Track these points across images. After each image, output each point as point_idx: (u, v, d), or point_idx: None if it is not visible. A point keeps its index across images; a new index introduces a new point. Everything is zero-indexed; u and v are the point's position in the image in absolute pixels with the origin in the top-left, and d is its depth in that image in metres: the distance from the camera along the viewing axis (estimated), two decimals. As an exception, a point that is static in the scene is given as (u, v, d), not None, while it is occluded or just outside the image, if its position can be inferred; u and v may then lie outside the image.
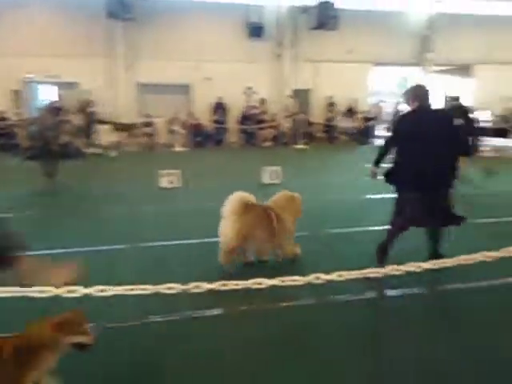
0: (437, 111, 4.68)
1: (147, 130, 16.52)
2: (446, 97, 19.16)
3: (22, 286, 1.95)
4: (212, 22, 17.26)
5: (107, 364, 2.87)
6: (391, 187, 4.58)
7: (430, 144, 4.20)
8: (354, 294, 3.82)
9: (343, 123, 17.68)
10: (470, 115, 9.60)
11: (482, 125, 13.64)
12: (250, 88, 17.77)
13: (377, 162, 4.67)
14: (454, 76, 20.97)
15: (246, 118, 17.23)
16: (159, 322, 3.47)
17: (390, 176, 4.50)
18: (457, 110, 8.99)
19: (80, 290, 1.90)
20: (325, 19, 16.39)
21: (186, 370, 2.83)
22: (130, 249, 5.22)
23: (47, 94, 16.32)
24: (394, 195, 4.57)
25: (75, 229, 6.06)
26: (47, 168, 8.75)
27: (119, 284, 1.99)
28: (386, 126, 18.77)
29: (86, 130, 15.05)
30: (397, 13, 18.66)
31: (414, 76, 20.49)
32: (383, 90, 25.72)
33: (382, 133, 18.39)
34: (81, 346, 2.11)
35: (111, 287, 1.81)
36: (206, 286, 1.76)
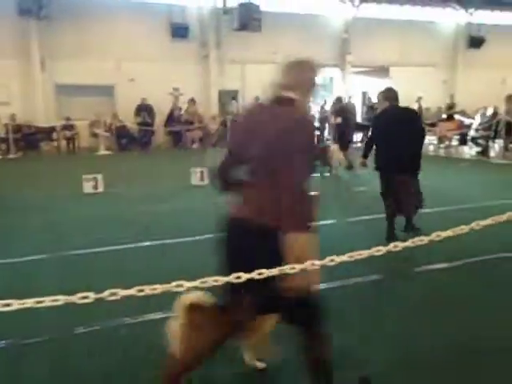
0: (405, 109, 5.54)
1: (68, 133, 15.75)
2: (363, 95, 20.10)
3: None
4: (135, 22, 16.80)
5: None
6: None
7: (399, 136, 4.99)
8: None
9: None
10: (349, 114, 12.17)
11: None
12: (176, 89, 17.53)
13: (365, 154, 5.62)
14: (372, 77, 22.04)
15: (172, 120, 16.96)
16: (80, 334, 3.30)
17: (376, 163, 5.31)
18: (338, 109, 10.28)
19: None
20: (248, 21, 16.55)
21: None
22: (53, 258, 4.93)
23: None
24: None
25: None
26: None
27: (37, 295, 1.86)
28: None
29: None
30: (318, 16, 19.29)
31: (338, 77, 21.30)
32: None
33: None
34: None
35: (17, 301, 1.67)
36: (121, 293, 1.68)
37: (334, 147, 10.73)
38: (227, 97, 18.34)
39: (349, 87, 20.43)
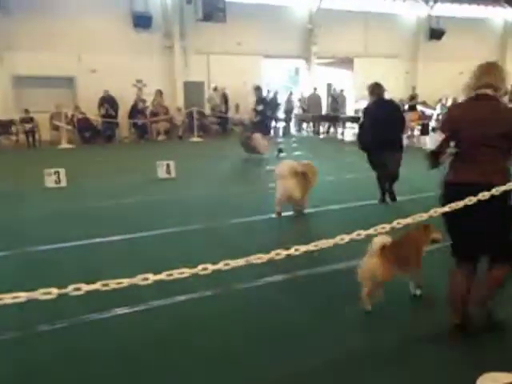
0: (389, 101, 6.96)
1: (27, 126, 15.22)
2: (328, 85, 20.33)
3: None
4: (96, 12, 16.32)
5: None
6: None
7: (386, 123, 6.24)
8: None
9: (237, 115, 17.81)
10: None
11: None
12: (139, 81, 17.22)
13: (359, 138, 6.96)
14: (337, 68, 22.27)
15: (137, 112, 16.65)
16: (44, 332, 3.23)
17: (363, 144, 6.68)
18: (259, 99, 12.26)
19: None
20: (212, 11, 16.39)
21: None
22: (13, 255, 4.79)
23: None
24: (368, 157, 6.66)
25: None
26: None
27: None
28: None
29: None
30: (283, 7, 19.28)
31: (303, 68, 21.41)
32: (276, 82, 26.50)
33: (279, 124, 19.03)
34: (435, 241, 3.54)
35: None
36: (85, 288, 1.66)
37: (257, 135, 11.73)
38: (193, 88, 18.14)
39: (314, 78, 20.57)
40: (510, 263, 2.93)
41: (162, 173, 9.04)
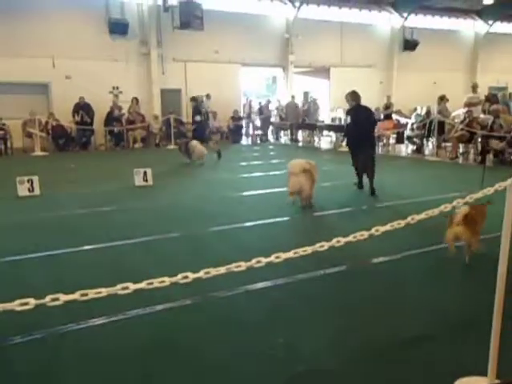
0: (365, 107, 8.15)
1: (-1, 133, 14.86)
2: (304, 94, 20.54)
3: None
4: (70, 16, 16.14)
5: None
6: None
7: (362, 124, 7.84)
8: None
9: (213, 122, 17.80)
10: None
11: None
12: (115, 88, 17.07)
13: (345, 137, 9.19)
14: (314, 77, 22.54)
15: (113, 119, 16.47)
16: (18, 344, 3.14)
17: (347, 139, 8.48)
18: (196, 109, 13.63)
19: None
20: (189, 19, 16.40)
21: None
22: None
23: None
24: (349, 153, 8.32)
25: None
26: None
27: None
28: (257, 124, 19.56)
29: None
30: (260, 16, 19.45)
31: (280, 77, 21.59)
32: (253, 90, 26.65)
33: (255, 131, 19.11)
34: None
35: None
36: (63, 298, 1.62)
37: (194, 142, 12.24)
38: (170, 95, 18.07)
39: (291, 87, 20.76)
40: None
41: (139, 180, 8.96)
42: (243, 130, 19.35)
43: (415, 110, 15.85)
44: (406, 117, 16.85)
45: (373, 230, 2.29)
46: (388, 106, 17.21)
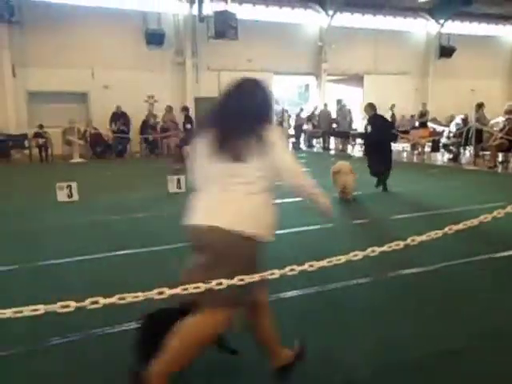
0: (381, 116, 9.35)
1: (40, 140, 15.44)
2: (337, 102, 20.44)
3: None
4: (109, 28, 16.71)
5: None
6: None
7: (380, 132, 8.91)
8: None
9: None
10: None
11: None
12: (151, 96, 17.46)
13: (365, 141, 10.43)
14: (347, 85, 22.39)
15: (148, 127, 16.83)
16: (56, 345, 3.23)
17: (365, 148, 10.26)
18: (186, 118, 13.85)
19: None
20: (224, 28, 16.64)
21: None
22: (25, 268, 4.82)
23: None
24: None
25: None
26: None
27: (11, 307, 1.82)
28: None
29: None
30: (293, 24, 19.53)
31: (313, 85, 21.56)
32: (285, 99, 26.71)
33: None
34: None
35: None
36: (103, 301, 1.67)
37: (186, 148, 11.81)
38: (204, 104, 18.31)
39: (324, 95, 20.69)
40: None
41: (172, 187, 9.13)
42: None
43: (452, 117, 15.50)
44: (441, 125, 16.50)
45: (409, 240, 2.25)
46: (423, 114, 16.92)
